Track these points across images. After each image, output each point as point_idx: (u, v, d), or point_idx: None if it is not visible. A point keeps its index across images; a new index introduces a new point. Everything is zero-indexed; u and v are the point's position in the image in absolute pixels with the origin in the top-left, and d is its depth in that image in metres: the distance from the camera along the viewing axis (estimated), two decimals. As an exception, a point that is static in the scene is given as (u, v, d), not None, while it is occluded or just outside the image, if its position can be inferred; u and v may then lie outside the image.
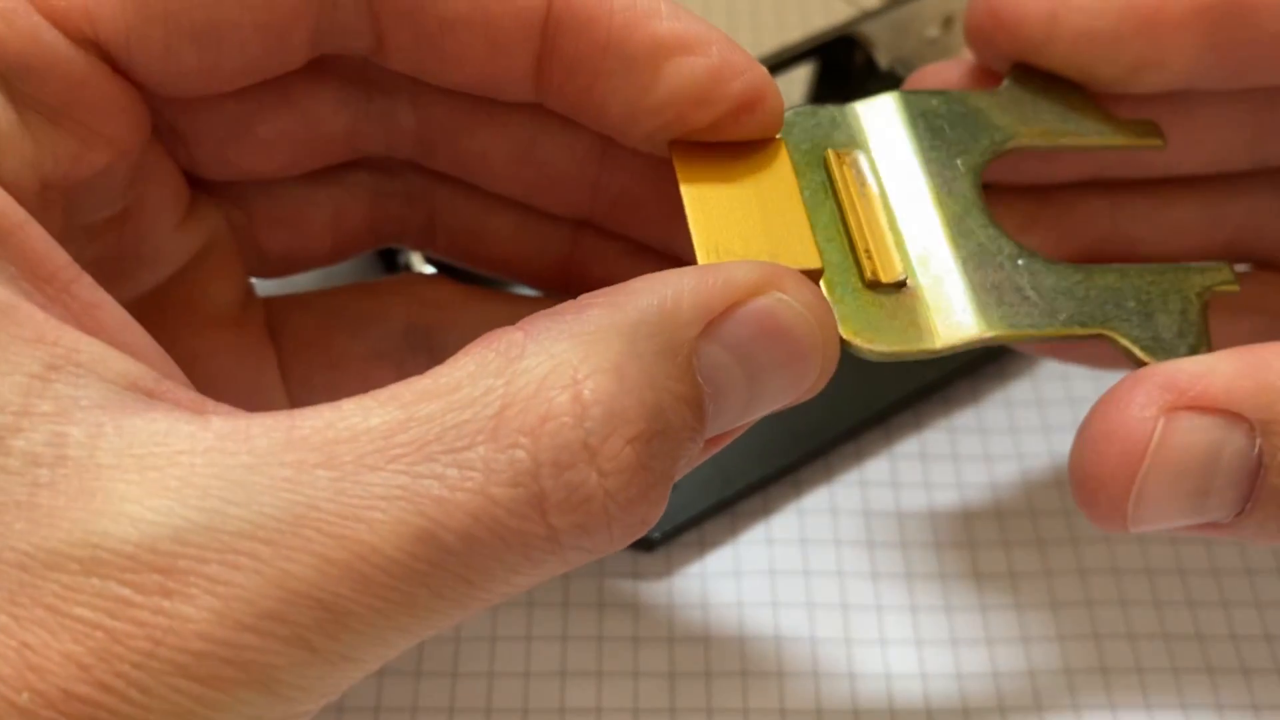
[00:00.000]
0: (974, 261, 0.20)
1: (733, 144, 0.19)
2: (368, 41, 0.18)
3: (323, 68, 0.20)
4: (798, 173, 0.19)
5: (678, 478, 0.16)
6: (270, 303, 0.23)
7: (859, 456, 0.30)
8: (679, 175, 0.18)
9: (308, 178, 0.21)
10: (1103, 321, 0.19)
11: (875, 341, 0.18)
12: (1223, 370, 0.18)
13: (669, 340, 0.15)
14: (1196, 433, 0.17)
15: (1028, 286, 0.20)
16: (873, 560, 0.28)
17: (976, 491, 0.29)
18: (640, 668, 0.26)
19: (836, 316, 0.18)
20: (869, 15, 0.34)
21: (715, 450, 0.17)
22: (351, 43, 0.18)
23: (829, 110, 0.21)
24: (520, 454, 0.14)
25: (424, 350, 0.22)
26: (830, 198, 0.20)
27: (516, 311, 0.22)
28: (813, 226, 0.19)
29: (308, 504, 0.13)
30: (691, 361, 0.15)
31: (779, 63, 0.33)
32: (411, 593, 0.14)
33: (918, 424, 0.30)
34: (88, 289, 0.15)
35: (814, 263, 0.18)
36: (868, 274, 0.19)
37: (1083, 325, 0.19)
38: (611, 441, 0.14)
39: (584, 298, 0.15)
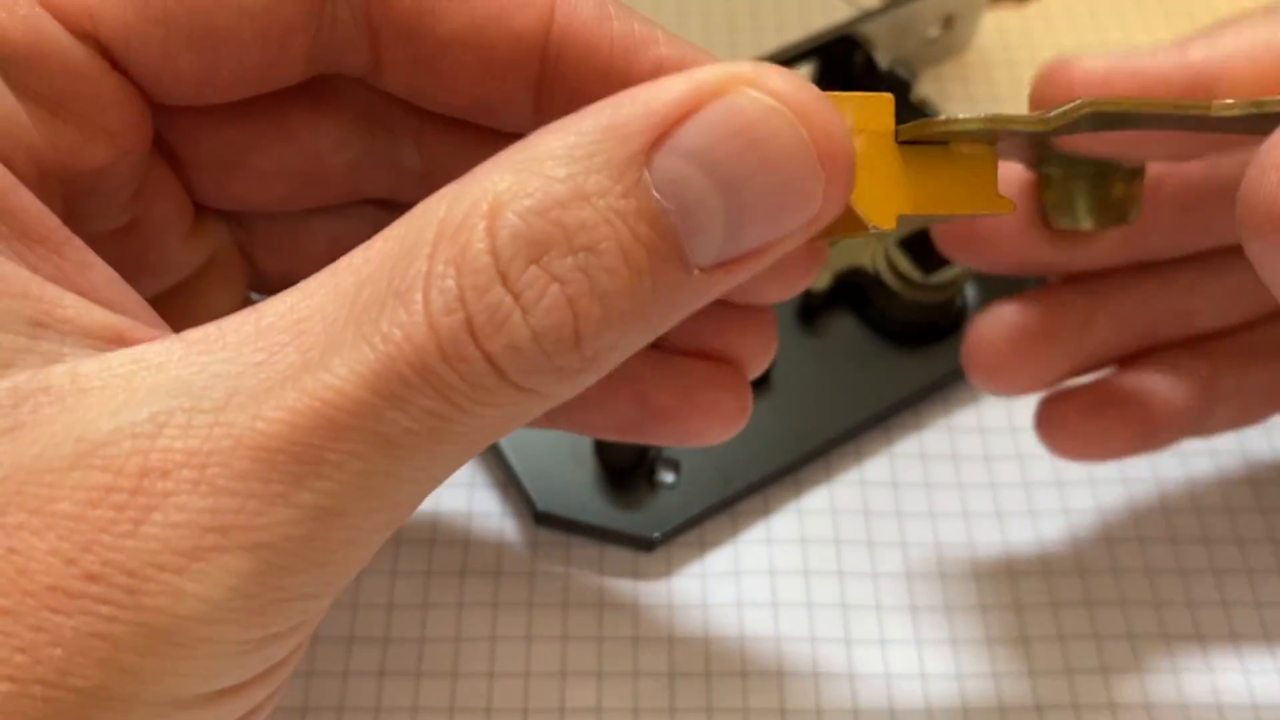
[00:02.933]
0: None
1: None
2: (365, 59, 0.18)
3: (323, 100, 0.20)
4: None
5: (674, 310, 0.15)
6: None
7: (859, 456, 0.30)
8: None
9: (308, 209, 0.22)
10: None
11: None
12: None
13: (612, 155, 0.14)
14: None
15: None
16: (872, 560, 0.28)
17: (976, 491, 0.29)
18: (640, 668, 0.26)
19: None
20: (869, 15, 0.34)
21: (735, 276, 0.15)
22: (349, 60, 0.18)
23: None
24: (449, 283, 0.14)
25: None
26: None
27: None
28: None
29: (279, 376, 0.14)
30: (642, 176, 0.14)
31: (779, 63, 0.33)
32: (382, 431, 0.14)
33: (917, 424, 0.30)
34: (77, 250, 0.16)
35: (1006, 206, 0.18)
36: None
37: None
38: (515, 263, 0.14)
39: (541, 129, 0.15)
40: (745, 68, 0.14)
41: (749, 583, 0.28)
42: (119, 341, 0.15)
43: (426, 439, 0.14)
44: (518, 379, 0.14)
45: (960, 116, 0.17)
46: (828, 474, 0.29)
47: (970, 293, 0.32)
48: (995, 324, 0.24)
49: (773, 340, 0.21)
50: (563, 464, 0.28)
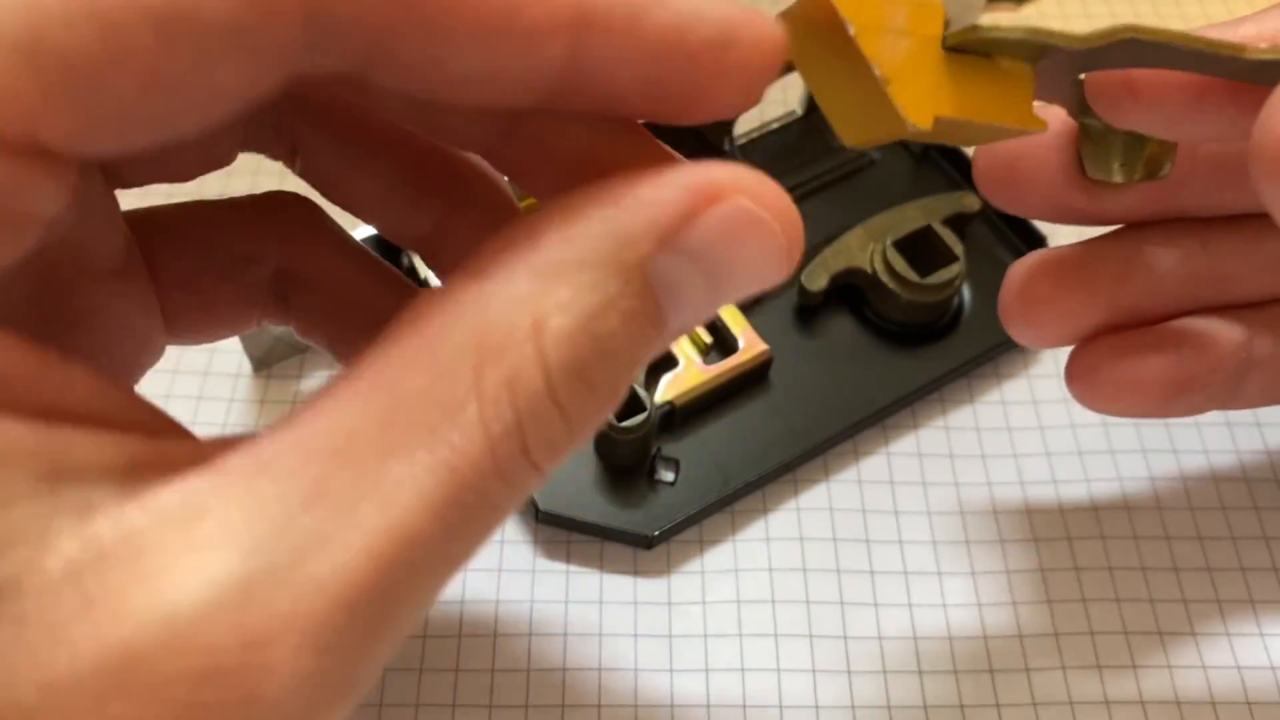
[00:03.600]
0: None
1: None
2: (347, 98, 0.18)
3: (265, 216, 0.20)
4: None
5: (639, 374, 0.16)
6: (141, 231, 0.21)
7: (857, 455, 0.30)
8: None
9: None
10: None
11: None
12: None
13: (624, 260, 0.15)
14: None
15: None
16: (870, 557, 0.28)
17: (973, 490, 0.30)
18: (640, 664, 0.26)
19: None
20: (866, 18, 0.34)
21: (690, 330, 0.17)
22: (329, 94, 0.18)
23: None
24: (506, 411, 0.14)
25: (288, 298, 0.22)
26: None
27: (377, 270, 0.22)
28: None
29: (343, 510, 0.14)
30: (646, 276, 0.15)
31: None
32: (449, 553, 0.14)
33: (914, 423, 0.31)
34: (53, 370, 0.14)
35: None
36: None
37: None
38: (568, 384, 0.14)
39: (536, 222, 0.15)
40: (734, 176, 0.16)
41: (748, 580, 0.28)
42: (140, 468, 0.14)
43: (475, 546, 0.15)
44: (548, 470, 0.15)
45: (1005, 24, 0.18)
46: (826, 472, 0.30)
47: (967, 293, 0.32)
48: (1032, 268, 0.24)
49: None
50: (563, 463, 0.28)
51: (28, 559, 0.13)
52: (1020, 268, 0.24)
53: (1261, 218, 0.24)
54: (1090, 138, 0.23)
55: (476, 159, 0.20)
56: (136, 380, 0.21)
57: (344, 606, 0.13)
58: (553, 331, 0.14)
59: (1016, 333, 0.25)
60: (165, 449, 0.14)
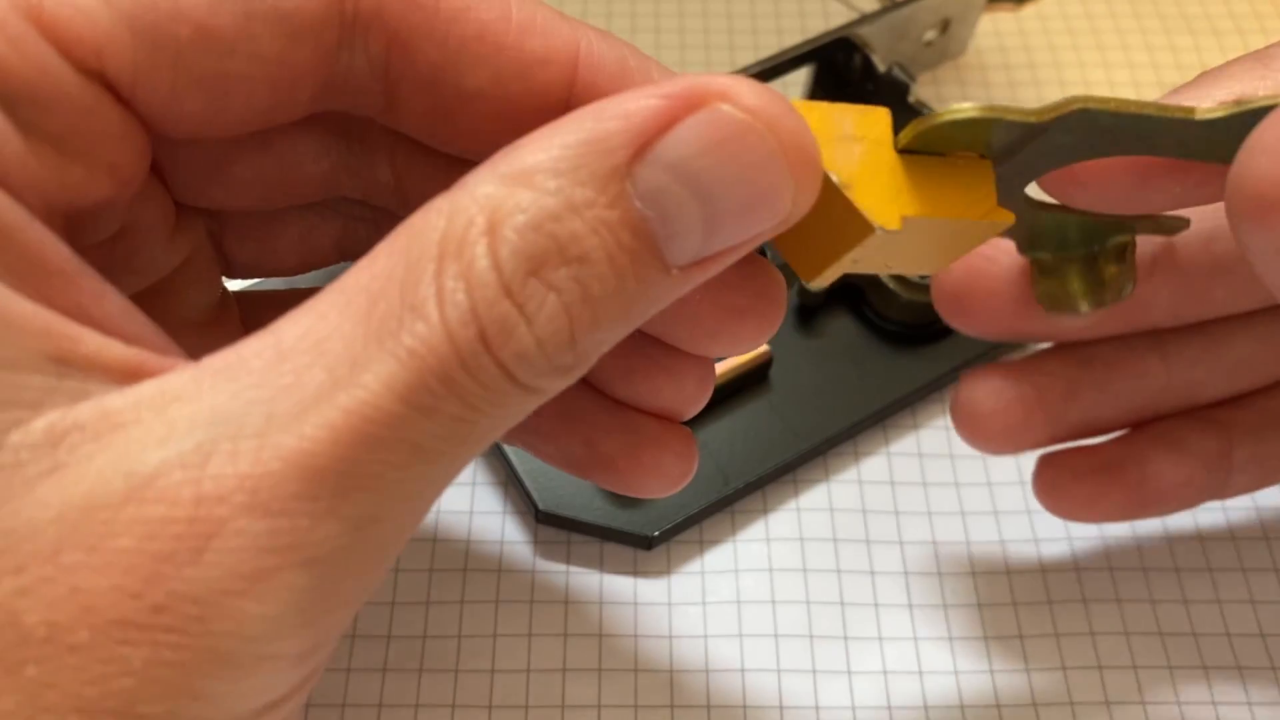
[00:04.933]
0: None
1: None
2: (378, 103, 0.19)
3: (310, 120, 0.20)
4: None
5: (653, 306, 0.16)
6: (243, 299, 0.23)
7: (857, 455, 0.30)
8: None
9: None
10: None
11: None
12: None
13: (596, 167, 0.15)
14: None
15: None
16: (870, 558, 0.28)
17: (973, 489, 0.30)
18: (640, 664, 0.26)
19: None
20: (866, 19, 0.34)
21: (709, 271, 0.16)
22: (361, 102, 0.19)
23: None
24: (460, 297, 0.14)
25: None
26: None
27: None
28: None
29: (312, 396, 0.14)
30: (624, 187, 0.15)
31: (777, 65, 0.33)
32: (414, 439, 0.14)
33: (915, 423, 0.31)
34: (91, 282, 0.16)
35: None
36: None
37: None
38: (517, 277, 0.14)
39: (521, 140, 0.15)
40: (719, 81, 0.15)
41: (748, 580, 0.28)
42: (139, 375, 0.15)
43: (452, 443, 0.15)
44: (525, 380, 0.15)
45: (955, 106, 0.17)
46: (826, 473, 0.30)
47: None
48: (977, 389, 0.24)
49: (706, 390, 0.21)
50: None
51: (15, 419, 0.14)
52: (967, 383, 0.25)
53: (1227, 321, 0.25)
54: (1044, 275, 0.22)
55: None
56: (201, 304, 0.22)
57: (299, 473, 0.14)
58: (506, 226, 0.14)
59: (969, 445, 0.25)
60: (166, 363, 0.15)
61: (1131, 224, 0.22)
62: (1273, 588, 0.28)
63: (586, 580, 0.28)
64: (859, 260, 0.17)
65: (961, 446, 0.30)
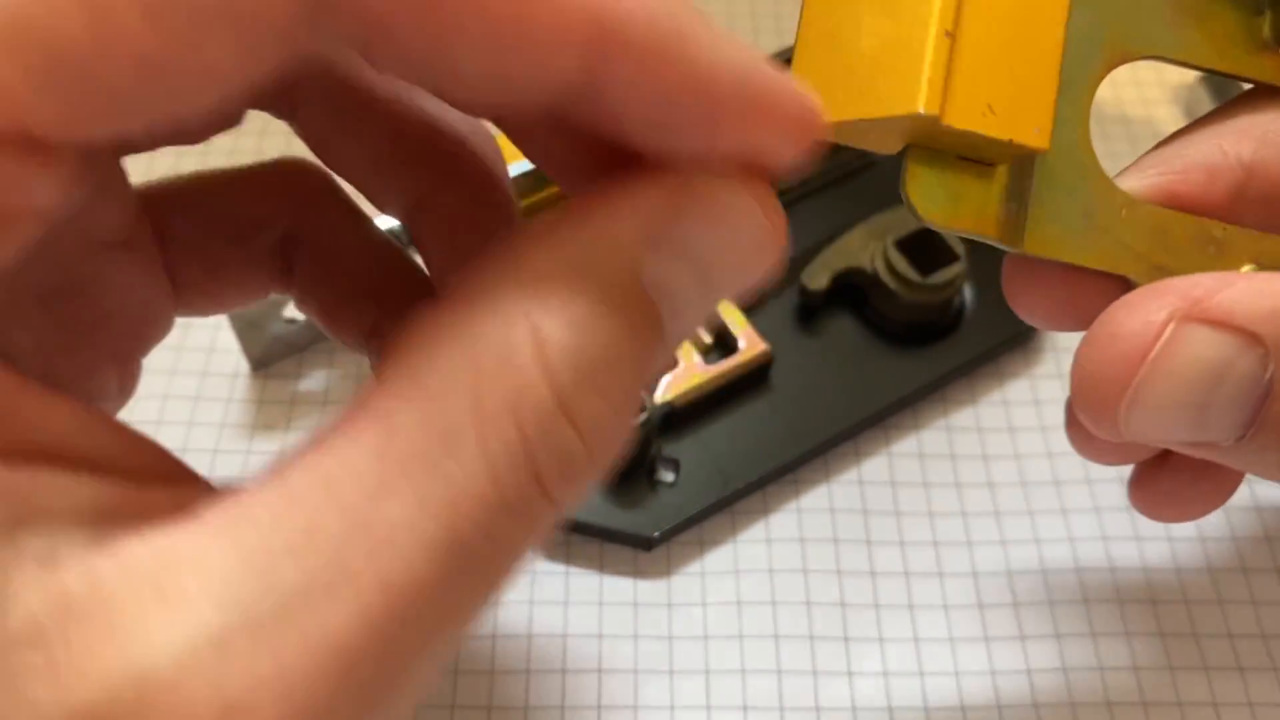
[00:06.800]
0: (1061, 162, 0.18)
1: None
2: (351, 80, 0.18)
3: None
4: None
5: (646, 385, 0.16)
6: (150, 203, 0.21)
7: (857, 456, 0.30)
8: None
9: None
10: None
11: (951, 220, 0.17)
12: (1244, 288, 0.17)
13: (614, 267, 0.14)
14: (1205, 345, 0.17)
15: (1096, 209, 0.18)
16: (871, 558, 0.28)
17: (974, 490, 0.29)
18: (640, 665, 0.26)
19: (909, 180, 0.17)
20: (867, 17, 0.34)
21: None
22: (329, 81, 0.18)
23: None
24: (510, 433, 0.13)
25: (292, 265, 0.22)
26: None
27: (381, 243, 0.21)
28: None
29: (332, 559, 0.12)
30: (639, 279, 0.14)
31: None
32: (452, 601, 0.13)
33: (916, 424, 0.31)
34: (32, 401, 0.13)
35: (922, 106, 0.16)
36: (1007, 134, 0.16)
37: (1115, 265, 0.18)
38: (581, 398, 0.14)
39: (521, 238, 0.15)
40: (714, 171, 0.15)
41: (748, 581, 0.28)
42: (112, 517, 0.13)
43: (487, 591, 0.14)
44: (563, 502, 0.14)
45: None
46: (826, 473, 0.30)
47: (968, 293, 0.32)
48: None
49: None
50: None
51: None
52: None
53: None
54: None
55: (469, 134, 0.20)
56: (145, 353, 0.21)
57: (334, 668, 0.12)
58: (554, 344, 0.13)
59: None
60: (142, 495, 0.13)
61: None
62: (1273, 588, 0.28)
63: (586, 581, 0.28)
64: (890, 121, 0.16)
65: (963, 447, 0.30)
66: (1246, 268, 0.19)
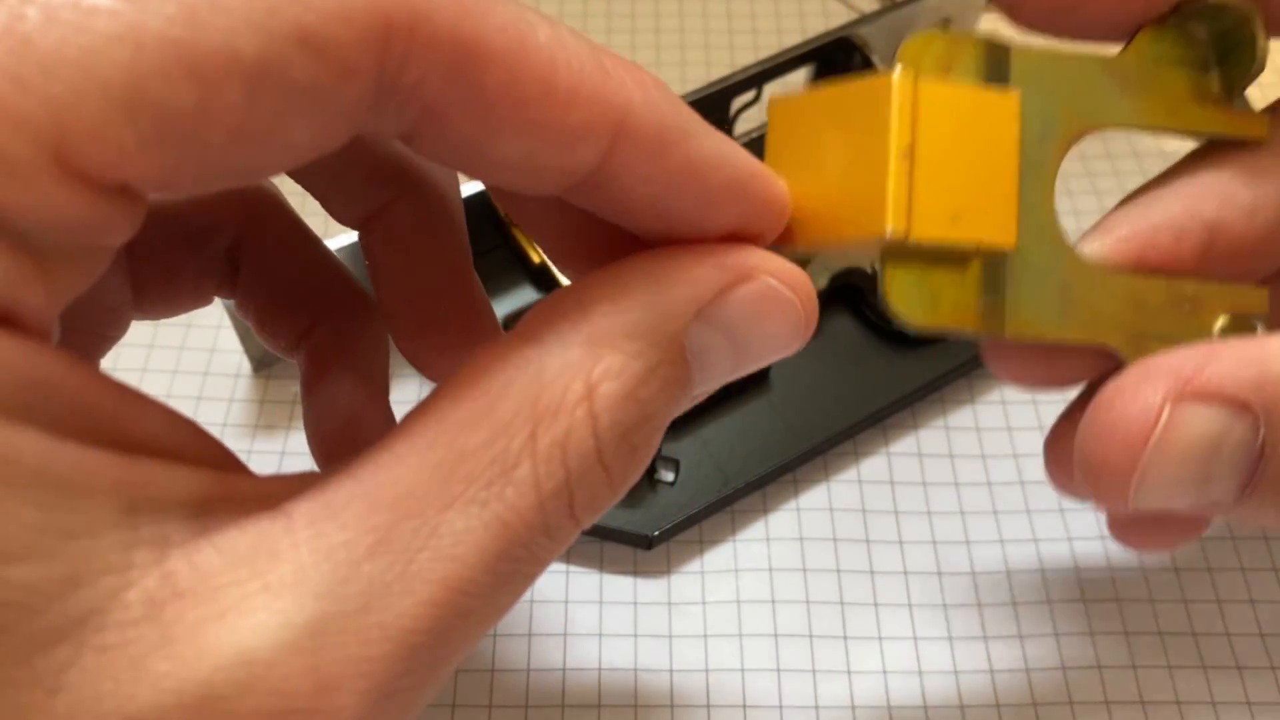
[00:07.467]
0: (1032, 246, 0.19)
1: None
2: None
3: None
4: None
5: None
6: None
7: (857, 455, 0.30)
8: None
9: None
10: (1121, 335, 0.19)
11: (931, 319, 0.18)
12: (1228, 360, 0.18)
13: (666, 331, 0.16)
14: (1202, 421, 0.18)
15: (1071, 285, 0.19)
16: (870, 558, 0.28)
17: (973, 490, 0.30)
18: (640, 664, 0.26)
19: (888, 281, 0.17)
20: (866, 19, 0.34)
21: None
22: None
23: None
24: (558, 470, 0.15)
25: (236, 272, 0.23)
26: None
27: (321, 259, 0.23)
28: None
29: (404, 559, 0.14)
30: (683, 345, 0.16)
31: (777, 66, 0.33)
32: (495, 602, 0.15)
33: (915, 423, 0.31)
34: (131, 405, 0.15)
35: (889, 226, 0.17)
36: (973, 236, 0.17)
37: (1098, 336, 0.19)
38: (615, 446, 0.16)
39: (585, 292, 0.16)
40: (763, 258, 0.17)
41: (747, 580, 0.28)
42: (210, 500, 0.15)
43: (516, 595, 0.16)
44: (587, 525, 0.16)
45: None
46: (826, 473, 0.30)
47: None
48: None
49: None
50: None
51: (110, 590, 0.13)
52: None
53: None
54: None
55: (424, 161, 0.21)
56: (103, 354, 0.22)
57: (403, 653, 0.14)
58: (604, 397, 0.15)
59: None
60: (232, 484, 0.15)
61: None
62: (1272, 587, 0.28)
63: (586, 580, 0.28)
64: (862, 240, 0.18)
65: (961, 446, 0.30)
66: (1221, 320, 0.20)
